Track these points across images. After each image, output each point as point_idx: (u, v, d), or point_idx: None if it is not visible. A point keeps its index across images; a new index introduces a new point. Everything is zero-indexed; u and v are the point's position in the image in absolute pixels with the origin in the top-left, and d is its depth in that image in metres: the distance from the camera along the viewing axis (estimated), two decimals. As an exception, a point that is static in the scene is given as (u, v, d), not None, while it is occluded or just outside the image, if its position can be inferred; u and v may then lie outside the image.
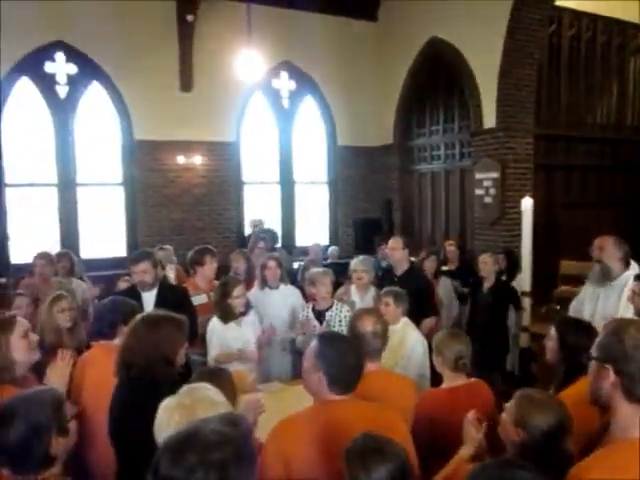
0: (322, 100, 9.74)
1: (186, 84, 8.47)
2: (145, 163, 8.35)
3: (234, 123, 8.97)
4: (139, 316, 2.45)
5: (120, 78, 8.11)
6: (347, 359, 2.24)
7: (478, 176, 8.06)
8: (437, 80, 9.12)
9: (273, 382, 4.21)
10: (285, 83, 9.55)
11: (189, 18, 8.26)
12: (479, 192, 8.06)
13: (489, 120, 7.87)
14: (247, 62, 6.60)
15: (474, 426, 2.39)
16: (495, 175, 7.79)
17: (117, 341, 2.94)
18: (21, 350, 2.60)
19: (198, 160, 8.63)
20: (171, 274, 6.01)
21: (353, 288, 4.98)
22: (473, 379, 2.96)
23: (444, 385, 2.95)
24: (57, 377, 2.63)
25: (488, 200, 7.94)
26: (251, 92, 9.09)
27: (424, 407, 2.81)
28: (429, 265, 5.77)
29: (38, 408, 1.92)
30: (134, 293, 3.87)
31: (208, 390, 1.88)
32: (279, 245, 7.81)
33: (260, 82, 8.64)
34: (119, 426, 2.42)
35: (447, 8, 8.22)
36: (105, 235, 8.43)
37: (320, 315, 4.46)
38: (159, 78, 8.27)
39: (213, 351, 3.97)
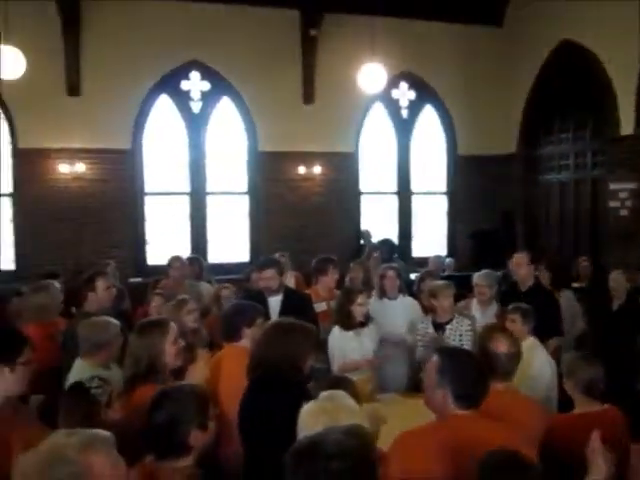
0: (442, 109, 9.60)
1: (309, 97, 8.75)
2: (268, 173, 8.72)
3: (353, 134, 9.10)
4: (271, 322, 2.57)
5: (247, 93, 8.57)
6: (472, 373, 2.19)
7: (613, 187, 7.50)
8: (568, 85, 8.60)
9: (390, 394, 4.20)
10: (405, 93, 9.53)
11: (313, 32, 8.53)
12: (613, 204, 7.50)
13: (627, 127, 7.30)
14: (370, 74, 6.68)
15: (602, 455, 2.21)
16: (632, 186, 7.21)
17: (243, 343, 3.10)
18: (171, 355, 2.77)
19: (317, 170, 8.86)
20: (291, 281, 6.20)
21: (474, 302, 4.85)
22: (607, 405, 2.77)
23: (576, 410, 2.78)
24: (198, 376, 2.80)
25: (624, 213, 7.37)
26: (371, 103, 9.18)
27: (554, 432, 2.66)
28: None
29: (184, 401, 2.07)
30: (260, 298, 4.06)
31: (347, 398, 1.93)
32: (396, 256, 7.78)
33: (380, 93, 8.69)
34: (249, 426, 2.55)
35: (579, 9, 7.76)
36: (230, 241, 8.90)
37: (439, 328, 4.38)
38: (283, 92, 8.62)
39: (336, 360, 4.04)
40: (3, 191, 8.05)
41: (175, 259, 6.00)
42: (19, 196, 7.97)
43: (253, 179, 8.84)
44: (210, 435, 2.15)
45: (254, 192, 8.85)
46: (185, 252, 7.46)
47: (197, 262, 6.45)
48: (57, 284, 4.60)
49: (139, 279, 7.56)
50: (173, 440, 2.04)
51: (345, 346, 4.07)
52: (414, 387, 4.30)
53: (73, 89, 7.83)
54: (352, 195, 9.19)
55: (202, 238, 8.74)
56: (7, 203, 8.07)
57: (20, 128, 7.83)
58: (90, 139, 7.90)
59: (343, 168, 9.03)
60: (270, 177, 8.74)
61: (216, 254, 8.73)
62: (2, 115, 7.89)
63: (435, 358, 2.27)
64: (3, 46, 5.83)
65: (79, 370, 3.06)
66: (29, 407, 2.91)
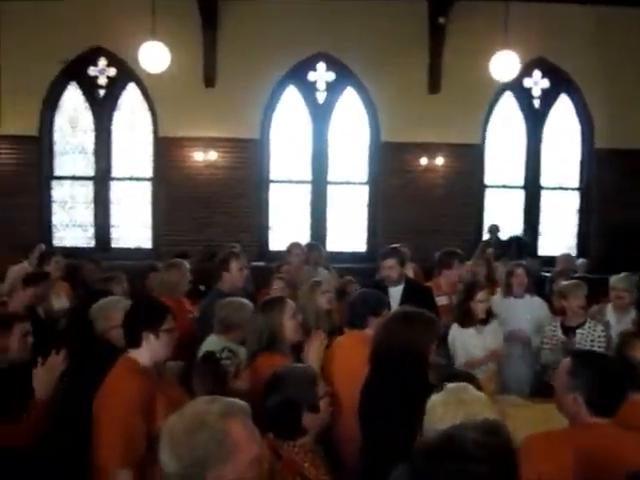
0: (579, 99, 8.95)
1: (434, 86, 8.56)
2: (389, 164, 8.69)
3: (480, 125, 8.79)
4: (394, 311, 2.57)
5: (372, 83, 8.58)
6: (607, 378, 2.05)
7: None
8: None
9: (511, 396, 4.03)
10: (537, 81, 9.01)
11: (441, 20, 8.32)
12: None
13: None
14: (502, 62, 6.40)
15: None
16: None
17: (368, 331, 3.12)
18: (290, 329, 2.93)
19: (440, 161, 8.66)
20: (409, 273, 6.14)
21: (609, 308, 4.51)
22: None
23: None
24: (314, 355, 2.89)
25: None
26: (500, 92, 8.79)
27: None
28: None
29: (294, 384, 2.15)
30: (381, 287, 4.07)
31: (475, 390, 1.90)
32: (526, 254, 7.40)
33: (510, 82, 8.29)
34: (368, 412, 2.58)
35: None
36: (348, 230, 9.00)
37: (569, 331, 4.13)
38: (408, 81, 8.51)
39: (459, 357, 3.96)
40: (144, 176, 8.80)
41: (295, 245, 6.15)
42: (158, 181, 8.67)
43: (374, 169, 8.86)
44: (325, 415, 2.20)
45: (374, 182, 8.87)
46: (305, 239, 7.66)
47: (316, 249, 6.57)
48: (187, 264, 4.92)
49: (261, 263, 7.90)
50: (287, 422, 2.13)
51: (467, 343, 3.98)
52: (536, 391, 4.13)
53: (209, 81, 8.33)
54: (476, 188, 8.90)
55: (321, 226, 8.93)
56: (147, 187, 8.79)
57: (161, 118, 8.48)
58: (222, 129, 8.37)
59: (467, 160, 8.76)
60: (391, 168, 8.70)
61: (334, 242, 8.87)
62: (146, 106, 8.58)
63: (567, 360, 2.15)
64: (150, 42, 6.32)
65: (211, 345, 3.27)
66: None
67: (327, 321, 3.83)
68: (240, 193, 8.52)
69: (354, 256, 8.68)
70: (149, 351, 2.50)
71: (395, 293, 4.11)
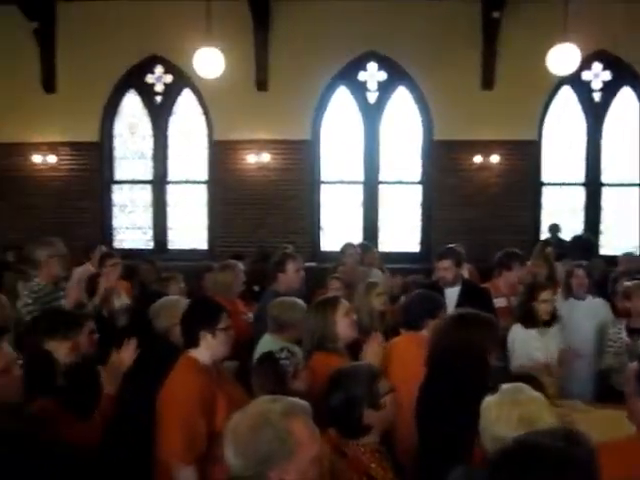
0: (644, 91, 8.56)
1: (488, 82, 8.38)
2: (442, 162, 8.56)
3: (536, 120, 8.52)
4: (454, 312, 2.54)
5: (424, 81, 8.47)
6: None
7: None
8: None
9: (573, 400, 3.90)
10: (598, 74, 8.67)
11: (495, 15, 8.13)
12: None
13: None
14: (561, 55, 6.18)
15: None
16: None
17: (424, 332, 3.09)
18: (344, 327, 2.94)
19: (495, 159, 8.47)
20: (464, 274, 6.03)
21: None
22: None
23: None
24: (372, 356, 2.88)
25: None
26: (558, 87, 8.51)
27: None
28: None
29: (356, 381, 2.15)
30: (436, 288, 4.01)
31: (532, 390, 1.85)
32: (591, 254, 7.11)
33: (568, 75, 8.00)
34: (426, 412, 2.55)
35: None
36: (401, 230, 8.92)
37: (633, 333, 3.96)
38: (461, 78, 8.36)
39: (517, 359, 3.86)
40: (199, 179, 9.00)
41: (348, 246, 6.14)
42: (213, 183, 8.85)
43: (427, 168, 8.75)
44: (389, 413, 2.18)
45: (427, 182, 8.75)
46: (357, 240, 7.64)
47: (370, 250, 6.56)
48: (241, 265, 5.00)
49: (313, 264, 7.93)
50: (349, 421, 2.12)
51: (528, 345, 3.86)
52: (599, 395, 3.98)
53: (261, 84, 8.45)
54: (532, 186, 8.64)
55: (374, 226, 8.89)
56: (203, 190, 9.00)
57: (215, 122, 8.67)
58: (274, 131, 8.47)
59: (524, 157, 8.52)
60: (444, 166, 8.56)
61: (386, 243, 8.81)
62: (201, 110, 8.78)
63: (635, 364, 2.07)
64: (204, 48, 6.45)
65: (266, 345, 3.32)
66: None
67: (381, 322, 3.81)
68: (292, 194, 8.60)
69: (407, 256, 8.60)
70: (208, 350, 2.56)
71: (451, 294, 4.04)
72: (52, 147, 8.82)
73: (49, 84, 8.76)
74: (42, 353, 2.66)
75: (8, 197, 8.86)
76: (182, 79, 8.72)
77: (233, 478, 1.50)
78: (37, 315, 3.29)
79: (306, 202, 8.68)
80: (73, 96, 8.60)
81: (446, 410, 2.38)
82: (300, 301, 3.47)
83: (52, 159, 8.82)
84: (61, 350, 2.71)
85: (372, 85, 8.80)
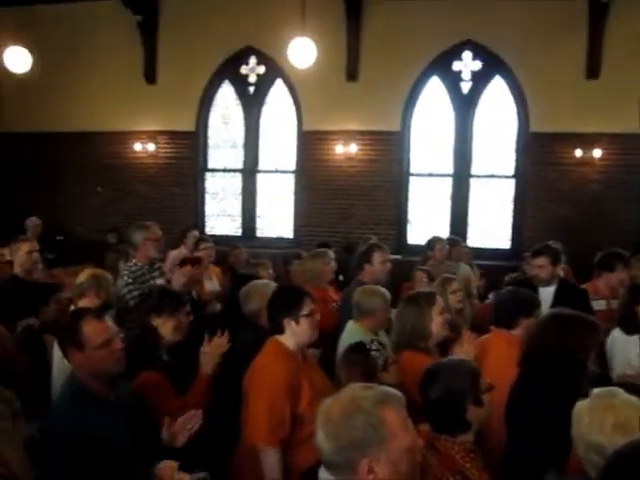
0: None
1: (593, 71, 7.85)
2: (539, 156, 8.13)
3: (645, 112, 7.89)
4: (551, 312, 2.41)
5: (521, 70, 8.06)
6: None
7: None
8: None
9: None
10: None
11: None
12: None
13: None
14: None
15: None
16: None
17: (516, 331, 2.96)
18: (438, 324, 2.89)
19: (597, 153, 7.93)
20: (560, 274, 5.73)
21: None
22: None
23: None
24: (465, 355, 2.79)
25: None
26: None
27: None
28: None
29: (458, 375, 2.09)
30: (528, 287, 3.82)
31: (626, 394, 1.72)
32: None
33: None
34: (517, 415, 2.45)
35: None
36: (491, 226, 8.61)
37: None
38: (562, 67, 7.87)
39: (616, 367, 3.61)
40: (288, 168, 9.14)
41: (436, 240, 6.04)
42: (300, 173, 8.95)
43: (521, 162, 8.35)
44: (487, 411, 2.12)
45: (521, 176, 8.36)
46: (444, 234, 7.46)
47: (458, 244, 6.40)
48: (332, 253, 5.02)
49: (399, 256, 7.83)
50: (451, 415, 2.05)
51: (628, 351, 3.60)
52: None
53: (352, 75, 8.41)
54: (637, 183, 8.02)
55: (462, 221, 8.63)
56: (291, 179, 9.14)
57: (305, 112, 8.75)
58: (364, 121, 8.42)
59: (629, 151, 7.92)
60: (540, 160, 8.13)
61: (475, 238, 8.54)
62: (292, 101, 8.90)
63: None
64: (298, 38, 6.51)
65: (350, 332, 3.34)
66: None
67: (459, 319, 3.70)
68: (379, 186, 8.52)
69: (496, 253, 8.29)
70: (293, 336, 2.59)
71: (545, 294, 3.83)
72: (151, 136, 9.29)
73: (151, 75, 9.22)
74: (149, 329, 2.82)
75: (111, 183, 9.45)
76: (274, 70, 8.86)
77: (324, 462, 1.50)
78: (145, 293, 3.44)
79: (394, 194, 8.57)
80: (172, 87, 9.01)
81: (539, 414, 2.27)
82: (382, 289, 3.44)
83: (151, 147, 9.28)
84: (166, 327, 2.85)
85: (466, 75, 8.51)
